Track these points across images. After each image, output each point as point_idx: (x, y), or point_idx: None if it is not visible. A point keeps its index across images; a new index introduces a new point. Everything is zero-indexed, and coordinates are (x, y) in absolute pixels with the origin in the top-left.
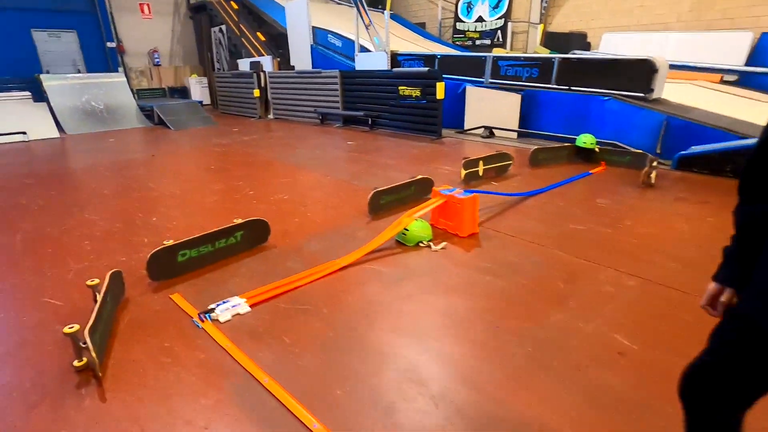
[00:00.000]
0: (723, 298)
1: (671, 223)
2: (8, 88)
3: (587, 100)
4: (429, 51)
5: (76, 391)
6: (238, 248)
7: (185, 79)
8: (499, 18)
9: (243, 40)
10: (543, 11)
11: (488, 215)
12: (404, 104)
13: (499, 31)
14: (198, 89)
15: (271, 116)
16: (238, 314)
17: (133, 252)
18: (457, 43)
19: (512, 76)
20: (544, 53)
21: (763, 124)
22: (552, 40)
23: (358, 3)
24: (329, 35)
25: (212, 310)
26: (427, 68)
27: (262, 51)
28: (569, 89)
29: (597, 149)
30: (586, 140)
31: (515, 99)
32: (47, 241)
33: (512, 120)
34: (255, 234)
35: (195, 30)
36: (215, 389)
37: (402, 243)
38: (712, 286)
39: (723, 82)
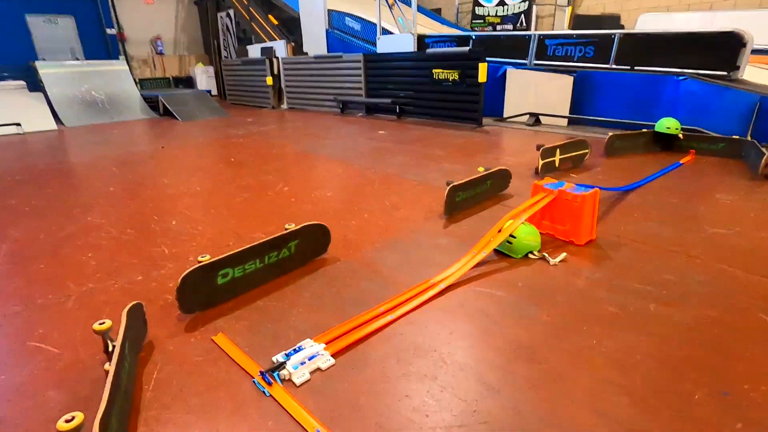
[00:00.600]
0: None
1: None
2: (1, 76)
3: (655, 81)
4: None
5: None
6: (291, 263)
7: (191, 69)
8: (523, 1)
9: (253, 24)
10: None
11: None
12: (439, 89)
13: (522, 15)
14: (204, 79)
15: (284, 106)
16: (319, 369)
17: (152, 267)
18: (476, 29)
19: (562, 57)
20: None
21: None
22: (581, 23)
23: None
24: (347, 18)
25: (281, 365)
26: (467, 47)
27: (275, 36)
28: (632, 69)
29: (681, 135)
30: (669, 125)
31: (566, 82)
32: (40, 253)
33: (562, 105)
34: (312, 243)
35: (200, 16)
36: None
37: (505, 254)
38: None
39: None
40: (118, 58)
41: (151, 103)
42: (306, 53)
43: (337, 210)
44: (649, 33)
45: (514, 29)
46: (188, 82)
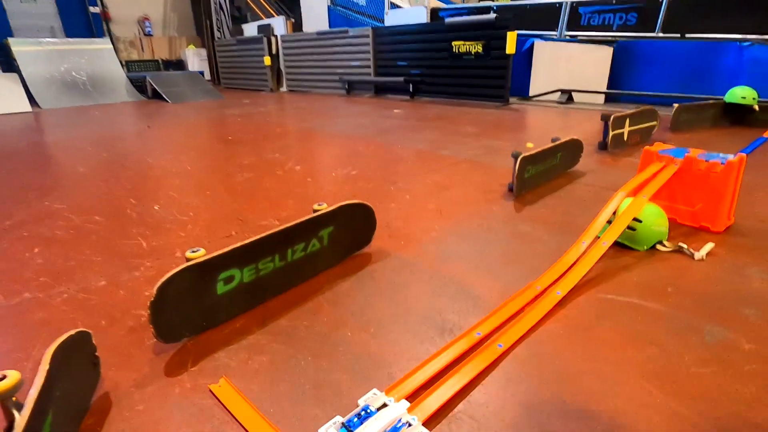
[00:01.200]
0: None
1: None
2: None
3: (712, 50)
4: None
5: None
6: (324, 260)
7: (181, 51)
8: None
9: (248, 1)
10: None
11: None
12: (459, 64)
13: None
14: (196, 62)
15: (284, 89)
16: None
17: (122, 267)
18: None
19: (598, 26)
20: None
21: None
22: None
23: None
24: None
25: None
26: (494, 15)
27: (272, 12)
28: (682, 37)
29: (756, 107)
30: (745, 94)
31: (604, 54)
32: None
33: (599, 81)
34: (351, 232)
35: None
36: None
37: (625, 245)
38: None
39: None
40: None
41: (139, 84)
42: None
43: (369, 191)
44: None
45: None
46: (179, 65)
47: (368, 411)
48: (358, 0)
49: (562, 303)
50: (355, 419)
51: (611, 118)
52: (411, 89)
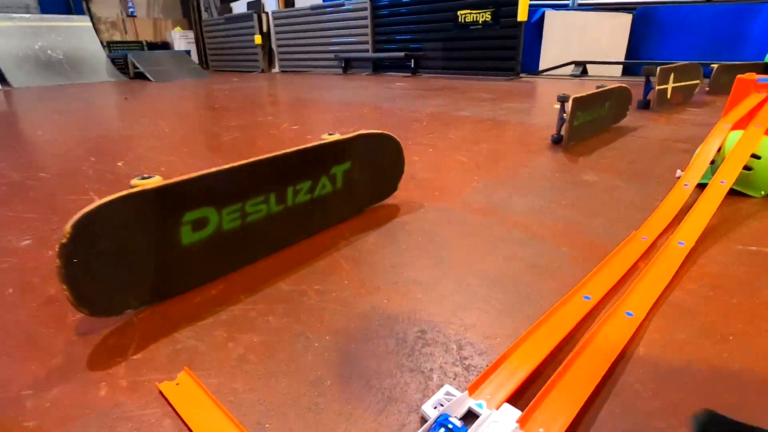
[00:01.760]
0: None
1: None
2: None
3: (743, 12)
4: None
5: None
6: (337, 208)
7: (167, 33)
8: None
9: None
10: None
11: None
12: (465, 35)
13: None
14: (183, 44)
15: (276, 69)
16: None
17: (60, 222)
18: None
19: None
20: None
21: None
22: None
23: None
24: None
25: None
26: None
27: None
28: (708, 1)
29: None
30: None
31: (622, 21)
32: None
33: (616, 51)
34: (373, 171)
35: None
36: None
37: (735, 190)
38: None
39: None
40: None
41: (121, 64)
42: None
43: None
44: None
45: None
46: (164, 47)
47: (447, 421)
48: None
49: (690, 257)
50: None
51: (659, 71)
52: (413, 65)
